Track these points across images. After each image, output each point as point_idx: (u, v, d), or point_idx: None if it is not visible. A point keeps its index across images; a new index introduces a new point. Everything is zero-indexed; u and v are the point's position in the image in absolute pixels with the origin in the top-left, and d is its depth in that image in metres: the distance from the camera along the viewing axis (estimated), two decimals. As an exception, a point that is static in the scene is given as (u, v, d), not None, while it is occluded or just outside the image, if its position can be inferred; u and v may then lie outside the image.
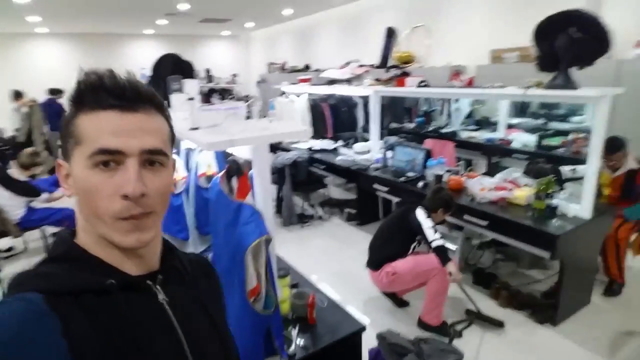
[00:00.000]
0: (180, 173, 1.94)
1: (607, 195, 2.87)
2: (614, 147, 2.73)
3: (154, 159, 0.56)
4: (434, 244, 2.33)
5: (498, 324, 2.53)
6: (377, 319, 2.68)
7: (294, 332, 1.49)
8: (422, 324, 2.52)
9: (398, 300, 2.80)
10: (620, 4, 3.94)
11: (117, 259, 0.57)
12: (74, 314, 0.51)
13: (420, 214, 2.46)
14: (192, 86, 2.26)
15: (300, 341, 1.42)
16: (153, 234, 0.58)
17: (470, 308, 2.64)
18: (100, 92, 0.54)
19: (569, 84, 2.32)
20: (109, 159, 0.53)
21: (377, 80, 4.19)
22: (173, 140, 0.62)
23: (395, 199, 4.00)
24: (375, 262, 2.63)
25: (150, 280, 0.60)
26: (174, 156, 1.91)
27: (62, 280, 0.53)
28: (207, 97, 8.22)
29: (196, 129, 1.40)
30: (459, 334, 2.39)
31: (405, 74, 3.70)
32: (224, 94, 8.04)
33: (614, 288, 2.83)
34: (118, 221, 0.54)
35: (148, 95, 0.57)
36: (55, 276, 0.54)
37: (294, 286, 1.83)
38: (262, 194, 1.29)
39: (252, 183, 1.30)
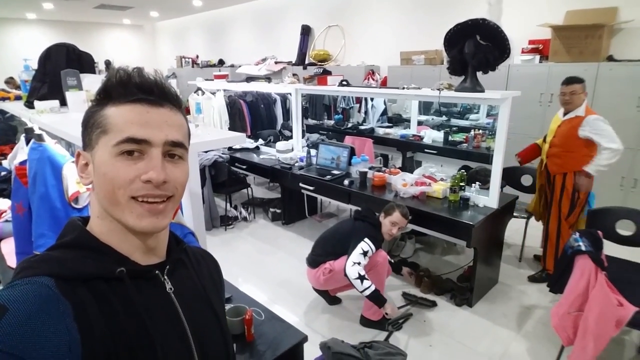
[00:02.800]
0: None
1: (550, 143, 2.86)
2: (572, 79, 2.73)
3: (175, 151, 0.60)
4: (365, 294, 2.31)
5: (432, 304, 2.77)
6: (312, 320, 2.66)
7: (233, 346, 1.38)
8: (363, 320, 2.57)
9: (330, 298, 2.81)
10: (513, 15, 4.45)
11: (128, 248, 0.60)
12: (84, 298, 0.53)
13: (358, 248, 2.35)
14: (93, 82, 1.97)
15: (240, 362, 1.31)
16: (168, 221, 0.61)
17: (407, 291, 2.83)
18: (130, 86, 0.58)
19: (477, 87, 2.53)
20: (134, 148, 0.56)
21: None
22: (189, 137, 0.66)
23: (321, 197, 4.02)
24: (315, 262, 2.60)
25: (158, 271, 0.63)
26: (74, 165, 1.62)
27: (72, 265, 0.55)
28: (108, 92, 7.39)
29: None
30: (398, 328, 2.48)
31: (327, 73, 3.71)
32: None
33: (543, 277, 3.03)
34: (133, 202, 0.57)
35: (172, 94, 0.62)
36: (66, 261, 0.56)
37: (227, 300, 1.71)
38: (193, 209, 1.15)
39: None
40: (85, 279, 0.55)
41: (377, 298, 2.32)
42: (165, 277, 0.63)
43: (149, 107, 0.59)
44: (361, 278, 2.30)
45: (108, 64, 7.33)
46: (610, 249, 2.32)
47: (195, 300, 0.68)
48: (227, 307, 1.56)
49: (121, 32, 11.14)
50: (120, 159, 0.57)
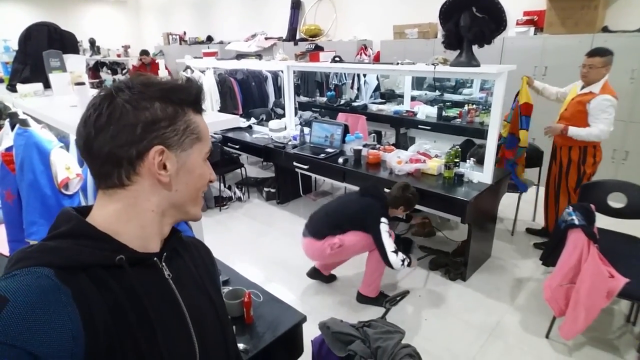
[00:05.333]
0: (73, 170, 1.63)
1: (560, 115, 2.89)
2: (595, 51, 2.63)
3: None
4: (395, 267, 2.38)
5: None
6: (308, 298, 2.69)
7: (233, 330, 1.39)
8: (360, 297, 2.61)
9: (326, 277, 2.84)
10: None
11: (149, 235, 0.63)
12: (85, 287, 0.53)
13: (384, 233, 2.36)
14: (77, 63, 1.90)
15: (239, 345, 1.32)
16: None
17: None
18: (200, 99, 0.66)
19: (473, 62, 2.48)
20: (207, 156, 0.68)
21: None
22: None
23: (316, 176, 4.00)
24: (321, 234, 2.53)
25: (156, 258, 0.64)
26: (64, 151, 1.56)
27: (71, 254, 0.55)
28: (94, 71, 7.19)
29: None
30: (395, 303, 2.52)
31: (319, 48, 3.62)
32: (116, 68, 7.10)
33: None
34: (200, 197, 0.69)
35: None
36: (64, 250, 0.55)
37: (224, 283, 1.71)
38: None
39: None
40: (85, 268, 0.55)
41: (409, 263, 2.44)
42: (163, 264, 0.65)
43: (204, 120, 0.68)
44: (403, 262, 2.38)
45: (92, 42, 7.08)
46: (602, 221, 2.35)
47: (192, 287, 0.69)
48: (226, 289, 1.57)
49: (103, 9, 10.72)
50: (204, 164, 0.68)
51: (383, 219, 2.39)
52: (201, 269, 0.75)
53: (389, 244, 2.37)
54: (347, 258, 2.52)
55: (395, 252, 2.37)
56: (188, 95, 0.63)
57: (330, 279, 2.86)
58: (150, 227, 0.63)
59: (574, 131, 2.71)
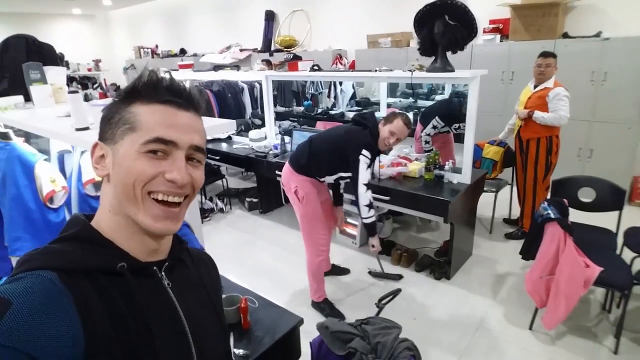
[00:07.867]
0: (58, 182, 1.59)
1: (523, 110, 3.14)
2: (548, 53, 3.02)
3: (195, 156, 0.62)
4: (366, 222, 2.27)
5: (397, 277, 2.90)
6: (298, 306, 2.69)
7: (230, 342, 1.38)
8: (312, 303, 2.67)
9: (336, 271, 2.96)
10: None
11: (133, 246, 0.61)
12: (87, 292, 0.53)
13: (362, 164, 2.18)
14: (58, 75, 1.87)
15: (238, 351, 1.32)
16: (180, 224, 0.63)
17: (371, 269, 2.94)
18: (160, 87, 0.60)
19: (447, 67, 2.59)
20: (161, 148, 0.58)
21: (267, 62, 4.07)
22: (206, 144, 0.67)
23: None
24: (298, 165, 2.42)
25: (157, 267, 0.64)
26: (48, 163, 1.54)
27: (74, 258, 0.56)
28: (63, 87, 6.98)
29: (86, 128, 1.14)
30: (387, 302, 2.55)
31: (297, 58, 3.67)
32: (87, 82, 6.93)
33: (519, 234, 3.37)
34: (150, 201, 0.58)
35: (197, 101, 0.65)
36: (67, 254, 0.56)
37: (217, 291, 1.70)
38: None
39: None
40: (87, 272, 0.55)
41: (372, 228, 2.29)
42: (163, 273, 0.64)
43: (177, 110, 0.61)
44: (370, 206, 2.22)
45: (61, 57, 6.88)
46: (574, 215, 2.48)
47: (195, 298, 0.69)
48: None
49: (72, 23, 10.47)
50: (145, 156, 0.58)
51: (364, 151, 2.20)
52: (206, 280, 0.75)
53: (363, 175, 2.20)
54: (300, 221, 2.47)
55: (367, 187, 2.20)
56: (132, 87, 0.61)
57: (342, 271, 2.98)
58: (118, 231, 0.60)
59: (539, 114, 3.05)
